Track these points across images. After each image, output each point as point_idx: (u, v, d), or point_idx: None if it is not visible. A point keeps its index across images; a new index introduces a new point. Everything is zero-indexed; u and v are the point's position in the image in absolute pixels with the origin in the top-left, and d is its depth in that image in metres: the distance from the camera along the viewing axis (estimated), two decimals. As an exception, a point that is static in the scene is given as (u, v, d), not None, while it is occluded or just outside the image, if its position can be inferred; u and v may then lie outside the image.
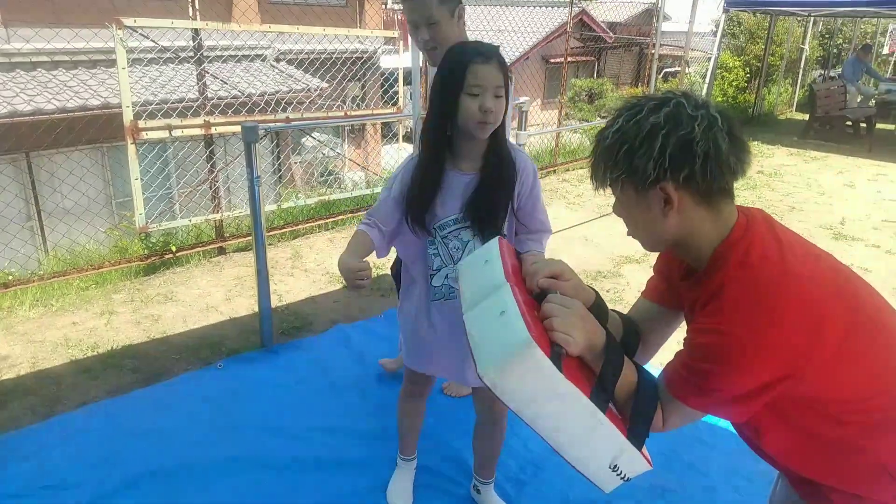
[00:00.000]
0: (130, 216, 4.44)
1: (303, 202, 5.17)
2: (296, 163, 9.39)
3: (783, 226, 1.10)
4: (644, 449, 1.10)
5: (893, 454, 1.03)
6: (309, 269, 4.38)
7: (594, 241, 4.94)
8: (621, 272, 4.39)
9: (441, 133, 1.65)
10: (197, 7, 4.19)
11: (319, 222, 5.15)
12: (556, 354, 0.95)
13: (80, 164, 5.53)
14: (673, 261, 1.23)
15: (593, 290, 1.20)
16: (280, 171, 8.41)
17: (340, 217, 5.30)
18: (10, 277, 3.83)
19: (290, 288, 4.05)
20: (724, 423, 2.62)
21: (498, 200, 1.72)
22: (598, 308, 1.17)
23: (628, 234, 1.14)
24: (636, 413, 1.06)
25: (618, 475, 1.07)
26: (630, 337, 1.25)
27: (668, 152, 0.98)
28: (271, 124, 4.10)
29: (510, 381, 0.95)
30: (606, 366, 1.03)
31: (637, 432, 1.05)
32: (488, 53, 1.58)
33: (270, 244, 4.76)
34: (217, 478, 2.31)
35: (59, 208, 5.83)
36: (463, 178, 1.70)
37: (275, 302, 3.76)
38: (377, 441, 2.55)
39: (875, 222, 5.70)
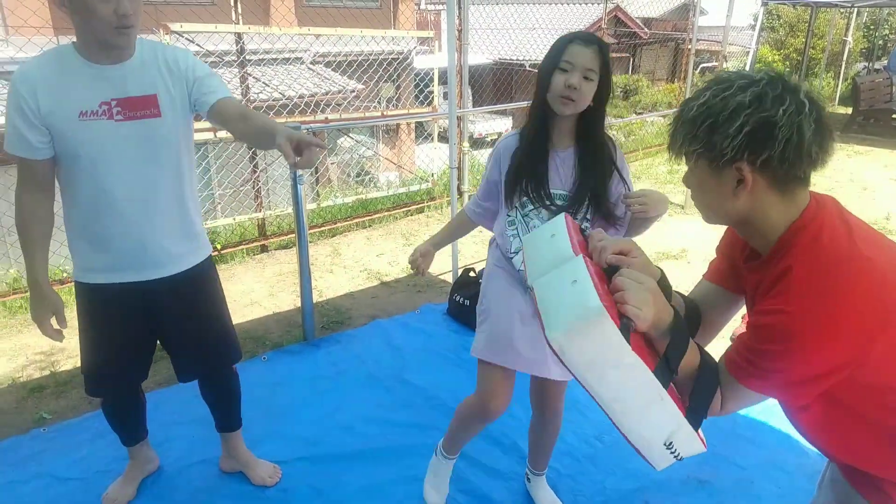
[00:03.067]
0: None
1: (341, 201, 5.28)
2: (332, 163, 9.55)
3: (852, 213, 1.09)
4: (700, 430, 1.11)
5: None
6: (347, 266, 4.48)
7: (636, 236, 4.91)
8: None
9: (541, 112, 1.73)
10: (240, 11, 4.33)
11: (357, 220, 5.25)
12: (625, 326, 0.97)
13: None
14: (737, 242, 1.22)
15: (659, 268, 1.21)
16: (318, 171, 8.56)
17: (377, 215, 5.40)
18: (65, 274, 4.01)
19: (329, 284, 4.16)
20: (765, 418, 2.64)
21: (600, 175, 1.75)
22: (662, 287, 1.17)
23: (692, 198, 1.14)
24: (696, 393, 1.07)
25: (672, 453, 1.08)
26: (691, 318, 1.25)
27: (748, 133, 0.96)
28: (312, 125, 4.20)
29: (577, 346, 0.97)
30: (673, 344, 1.04)
31: (696, 412, 1.06)
32: (590, 39, 1.67)
33: (310, 242, 4.87)
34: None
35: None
36: (559, 155, 1.77)
37: (315, 298, 3.86)
38: (414, 431, 2.62)
39: (922, 217, 5.55)
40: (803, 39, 11.21)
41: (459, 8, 5.40)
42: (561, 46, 1.66)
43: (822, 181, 6.76)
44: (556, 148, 1.76)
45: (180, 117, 1.78)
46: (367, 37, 6.38)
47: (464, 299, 3.55)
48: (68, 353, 3.20)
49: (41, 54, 1.69)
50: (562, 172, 1.76)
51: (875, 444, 1.06)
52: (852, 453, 1.12)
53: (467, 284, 3.61)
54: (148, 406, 2.27)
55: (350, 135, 7.33)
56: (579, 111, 1.68)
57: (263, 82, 6.54)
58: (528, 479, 2.30)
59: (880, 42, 15.70)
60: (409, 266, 1.91)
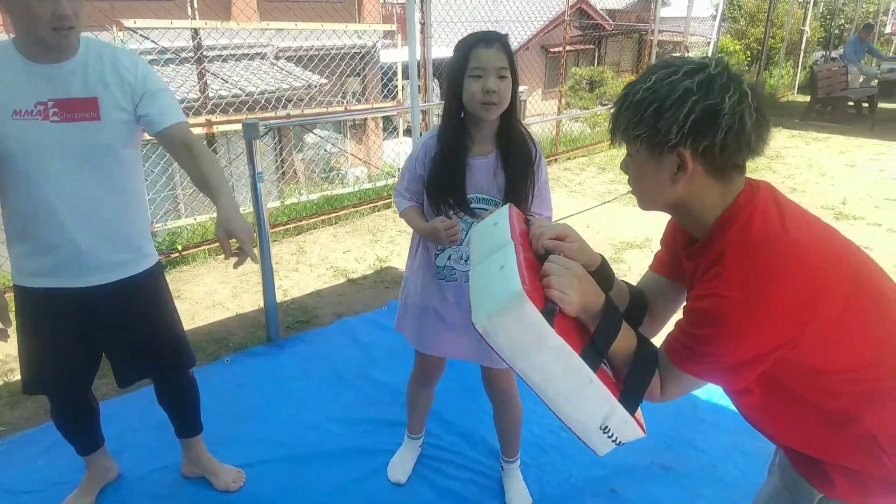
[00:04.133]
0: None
1: (305, 198, 5.21)
2: (299, 160, 9.43)
3: (787, 198, 1.10)
4: (639, 415, 1.13)
5: (883, 425, 1.04)
6: (313, 264, 4.43)
7: (596, 227, 4.97)
8: (623, 258, 4.42)
9: (456, 119, 1.73)
10: (195, 6, 4.24)
11: (323, 217, 5.20)
12: (549, 310, 0.98)
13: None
14: (677, 231, 1.23)
15: (600, 255, 1.22)
16: (283, 168, 8.46)
17: (343, 212, 5.35)
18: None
19: (294, 283, 4.11)
20: (726, 402, 2.68)
21: (522, 179, 1.78)
22: (602, 273, 1.19)
23: (629, 185, 1.14)
24: (630, 377, 1.08)
25: (609, 438, 1.10)
26: (636, 307, 1.26)
27: (693, 119, 0.96)
28: (272, 121, 4.13)
29: (500, 330, 0.99)
30: (600, 326, 1.05)
31: (630, 396, 1.07)
32: (490, 38, 1.66)
33: (275, 240, 4.81)
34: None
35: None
36: (479, 162, 1.77)
37: (280, 297, 3.81)
38: (383, 428, 2.60)
39: (877, 201, 5.70)
40: (763, 29, 11.40)
41: (422, 1, 5.37)
42: (465, 52, 1.66)
43: (781, 167, 6.91)
44: (475, 155, 1.77)
45: (122, 123, 1.72)
46: (331, 31, 6.30)
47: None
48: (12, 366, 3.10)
49: None
50: (485, 177, 1.78)
51: (816, 427, 1.08)
52: (795, 437, 1.14)
53: (433, 279, 3.60)
54: (106, 414, 2.21)
55: (314, 131, 7.25)
56: (503, 111, 1.70)
57: (222, 78, 6.42)
58: (502, 468, 2.31)
59: (836, 31, 16.07)
60: (445, 235, 1.70)
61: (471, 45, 1.65)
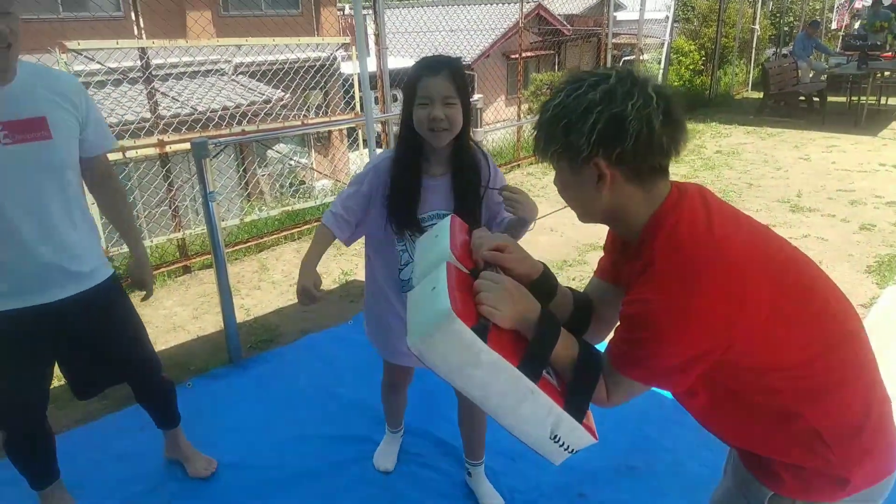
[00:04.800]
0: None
1: (266, 214, 5.14)
2: (262, 175, 9.31)
3: (719, 199, 1.12)
4: (590, 421, 1.13)
5: (825, 420, 1.05)
6: (276, 281, 4.37)
7: (559, 231, 4.99)
8: (586, 259, 4.45)
9: (412, 142, 1.75)
10: (142, 26, 4.15)
11: (285, 233, 5.13)
12: (481, 326, 0.99)
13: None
14: (616, 237, 1.24)
15: (542, 264, 1.22)
16: (248, 184, 8.36)
17: (306, 226, 5.29)
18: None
19: (257, 301, 4.04)
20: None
21: (473, 199, 1.82)
22: (544, 282, 1.19)
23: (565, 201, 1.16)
24: (574, 384, 1.08)
25: (561, 447, 1.10)
26: (581, 313, 1.27)
27: (600, 129, 0.99)
28: (223, 138, 4.07)
29: (434, 350, 1.00)
30: (536, 336, 1.06)
31: (575, 403, 1.07)
32: (437, 66, 1.67)
33: (236, 258, 4.74)
34: (189, 499, 2.31)
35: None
36: (434, 182, 1.80)
37: (242, 316, 3.75)
38: (350, 445, 2.56)
39: (830, 192, 5.85)
40: (716, 29, 11.66)
41: (375, 12, 5.36)
42: (413, 82, 1.68)
43: (737, 163, 7.05)
44: (432, 174, 1.80)
45: (71, 139, 1.77)
46: (292, 45, 6.25)
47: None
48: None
49: None
50: (442, 196, 1.81)
51: (761, 425, 1.09)
52: (742, 436, 1.15)
53: (397, 291, 3.57)
54: (63, 447, 2.15)
55: (274, 148, 7.17)
56: (455, 135, 1.72)
57: (173, 97, 6.32)
58: (469, 473, 2.31)
59: (786, 29, 16.52)
60: (301, 299, 1.72)
61: (418, 75, 1.67)
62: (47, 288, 1.79)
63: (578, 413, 1.07)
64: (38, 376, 1.92)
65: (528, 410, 1.04)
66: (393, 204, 1.80)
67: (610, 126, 0.99)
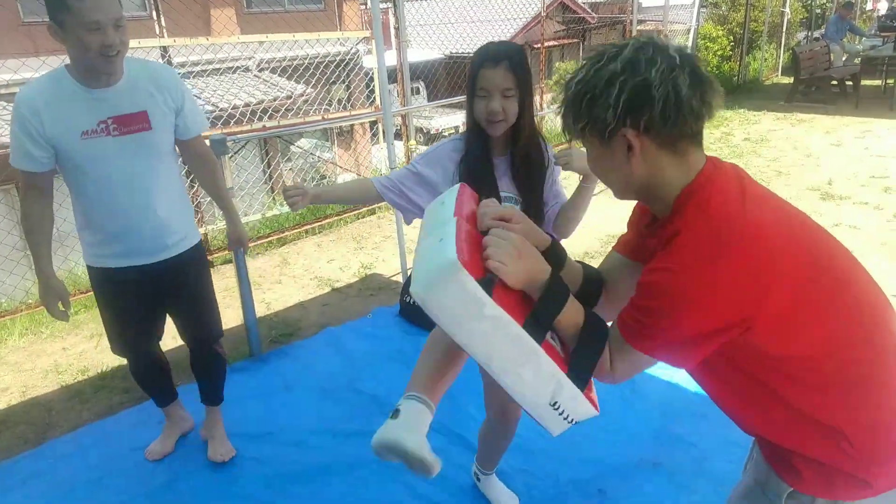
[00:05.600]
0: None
1: (288, 209, 5.16)
2: (287, 170, 9.37)
3: (754, 180, 1.08)
4: (592, 394, 1.11)
5: (849, 416, 1.01)
6: (297, 276, 4.38)
7: (583, 221, 4.91)
8: (608, 251, 4.37)
9: (477, 132, 1.75)
10: (164, 25, 4.18)
11: (306, 227, 5.15)
12: (487, 280, 0.98)
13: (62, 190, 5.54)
14: (643, 212, 1.21)
15: (551, 236, 1.21)
16: (271, 179, 8.42)
17: (326, 220, 5.30)
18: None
19: (278, 296, 4.06)
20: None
21: (537, 180, 1.80)
22: (552, 255, 1.17)
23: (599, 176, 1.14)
24: (577, 352, 1.07)
25: (561, 416, 1.07)
26: (591, 286, 1.24)
27: (625, 99, 0.97)
28: (242, 135, 4.09)
29: (437, 299, 0.98)
30: (543, 297, 1.04)
31: (578, 371, 1.05)
32: (497, 57, 1.65)
33: (258, 253, 4.77)
34: (209, 492, 2.32)
35: (56, 235, 5.84)
36: (498, 160, 1.79)
37: (263, 310, 3.77)
38: (366, 440, 2.53)
39: (863, 179, 5.66)
40: (744, 13, 11.38)
41: (395, 5, 5.34)
42: (474, 72, 1.68)
43: (766, 151, 6.88)
44: (497, 156, 1.80)
45: (167, 127, 2.06)
46: (314, 40, 6.27)
47: (414, 300, 3.48)
48: (1, 392, 3.06)
49: (39, 79, 1.93)
50: (502, 175, 1.80)
51: (781, 414, 1.04)
52: (762, 425, 1.10)
53: (417, 284, 3.55)
54: (84, 440, 2.35)
55: (297, 143, 7.20)
56: (511, 125, 1.71)
57: (195, 95, 6.37)
58: (478, 478, 2.26)
59: (818, 11, 16.06)
60: (284, 197, 1.82)
61: (478, 65, 1.66)
62: (147, 253, 2.11)
63: (581, 381, 1.05)
64: (146, 318, 2.26)
65: (530, 373, 1.02)
66: (471, 182, 1.76)
67: (635, 94, 0.96)
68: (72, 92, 1.89)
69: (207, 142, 2.61)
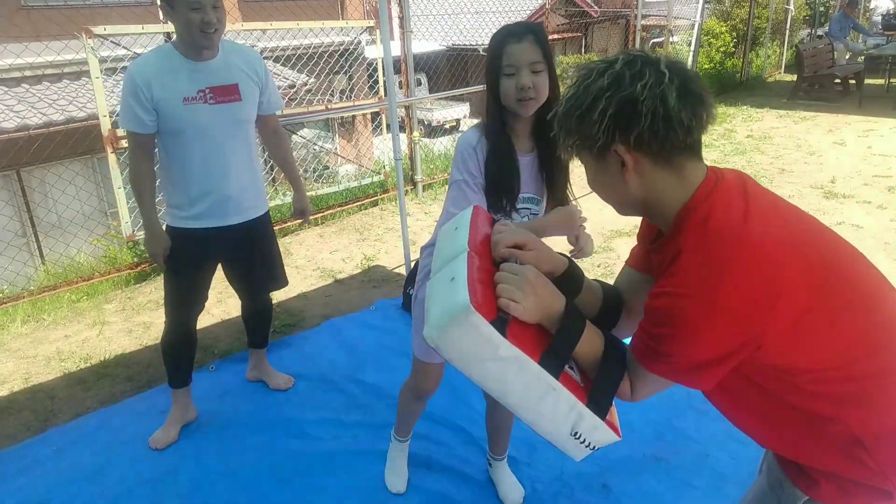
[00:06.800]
0: (117, 225, 4.44)
1: (290, 199, 5.14)
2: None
3: (761, 187, 1.05)
4: (614, 418, 1.09)
5: (865, 426, 0.98)
6: (299, 266, 4.38)
7: (585, 215, 4.90)
8: (612, 246, 4.38)
9: (500, 120, 1.67)
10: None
11: (309, 218, 5.12)
12: (501, 320, 0.96)
13: (64, 177, 5.50)
14: (649, 227, 1.20)
15: (566, 257, 1.18)
16: (273, 169, 8.40)
17: (329, 211, 5.29)
18: (0, 295, 3.83)
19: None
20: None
21: (558, 174, 1.74)
22: (569, 279, 1.15)
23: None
24: (598, 380, 1.05)
25: (583, 444, 1.06)
26: (610, 307, 1.22)
27: (611, 114, 0.96)
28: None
29: (451, 342, 0.97)
30: (560, 331, 1.02)
31: (598, 400, 1.04)
32: (521, 33, 1.59)
33: (260, 243, 4.75)
34: (211, 481, 2.32)
35: (57, 222, 5.84)
36: (523, 159, 1.71)
37: (265, 301, 3.76)
38: (367, 432, 2.56)
39: (866, 178, 5.66)
40: (748, 9, 11.33)
41: (399, -5, 5.30)
42: (497, 50, 1.60)
43: (769, 148, 6.87)
44: (520, 150, 1.72)
45: (253, 101, 2.33)
46: (317, 29, 6.22)
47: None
48: (3, 378, 3.05)
49: (148, 53, 2.23)
50: (529, 175, 1.73)
51: (795, 428, 1.03)
52: (776, 440, 1.09)
53: (420, 277, 3.55)
54: (86, 428, 2.33)
55: (299, 133, 7.16)
56: (541, 104, 1.63)
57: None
58: (490, 464, 2.28)
59: (822, 9, 16.00)
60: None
61: (502, 42, 1.59)
62: (226, 215, 2.35)
63: (601, 410, 1.03)
64: (206, 282, 2.49)
65: (549, 406, 1.01)
66: (496, 182, 1.69)
67: (622, 110, 0.95)
68: (177, 64, 2.16)
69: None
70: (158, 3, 2.07)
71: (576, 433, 1.04)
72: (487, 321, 0.94)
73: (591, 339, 1.06)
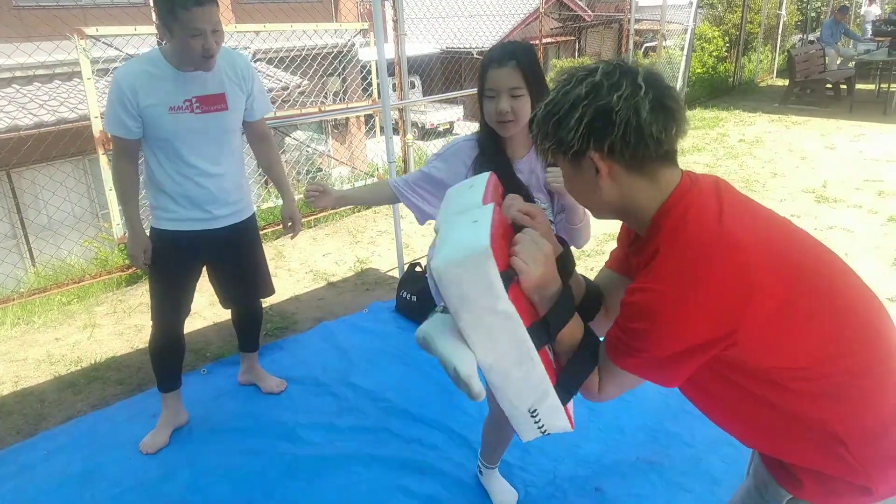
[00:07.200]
0: (109, 227, 4.41)
1: (282, 202, 5.13)
2: (282, 162, 9.29)
3: (736, 192, 1.08)
4: (570, 409, 1.11)
5: (845, 424, 1.00)
6: (292, 269, 4.36)
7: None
8: (604, 250, 4.39)
9: (491, 133, 1.75)
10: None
11: (302, 220, 5.11)
12: (508, 275, 0.97)
13: (55, 178, 5.48)
14: (628, 230, 1.22)
15: (564, 243, 1.21)
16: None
17: (322, 214, 5.28)
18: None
19: (273, 288, 4.03)
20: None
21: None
22: (564, 263, 1.17)
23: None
24: (570, 367, 1.08)
25: (536, 424, 1.07)
26: (591, 301, 1.25)
27: (587, 122, 0.99)
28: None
29: (455, 279, 0.97)
30: (554, 308, 1.05)
31: (566, 385, 1.07)
32: (502, 58, 1.65)
33: (253, 246, 4.73)
34: (202, 485, 2.31)
35: (47, 223, 5.81)
36: (518, 164, 1.77)
37: (258, 303, 3.74)
38: (359, 435, 2.55)
39: (857, 182, 5.70)
40: (740, 14, 11.41)
41: (393, -2, 5.30)
42: (482, 73, 1.68)
43: (761, 153, 6.91)
44: (515, 158, 1.78)
45: (240, 108, 2.33)
46: (311, 31, 6.22)
47: (410, 295, 3.48)
48: (-7, 381, 3.03)
49: (136, 59, 2.23)
50: (527, 176, 1.78)
51: (778, 428, 1.04)
52: (759, 439, 1.10)
53: (414, 280, 3.54)
54: (77, 432, 2.32)
55: (292, 135, 7.16)
56: (522, 125, 1.69)
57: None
58: (481, 471, 2.27)
59: (813, 14, 16.13)
60: (305, 195, 1.88)
61: (485, 66, 1.66)
62: (210, 218, 2.34)
63: (565, 394, 1.06)
64: (191, 284, 2.47)
65: (520, 375, 1.02)
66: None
67: (596, 119, 0.98)
68: (164, 72, 2.15)
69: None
70: (154, 21, 2.06)
71: (534, 411, 1.05)
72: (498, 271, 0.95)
73: (575, 326, 1.09)
